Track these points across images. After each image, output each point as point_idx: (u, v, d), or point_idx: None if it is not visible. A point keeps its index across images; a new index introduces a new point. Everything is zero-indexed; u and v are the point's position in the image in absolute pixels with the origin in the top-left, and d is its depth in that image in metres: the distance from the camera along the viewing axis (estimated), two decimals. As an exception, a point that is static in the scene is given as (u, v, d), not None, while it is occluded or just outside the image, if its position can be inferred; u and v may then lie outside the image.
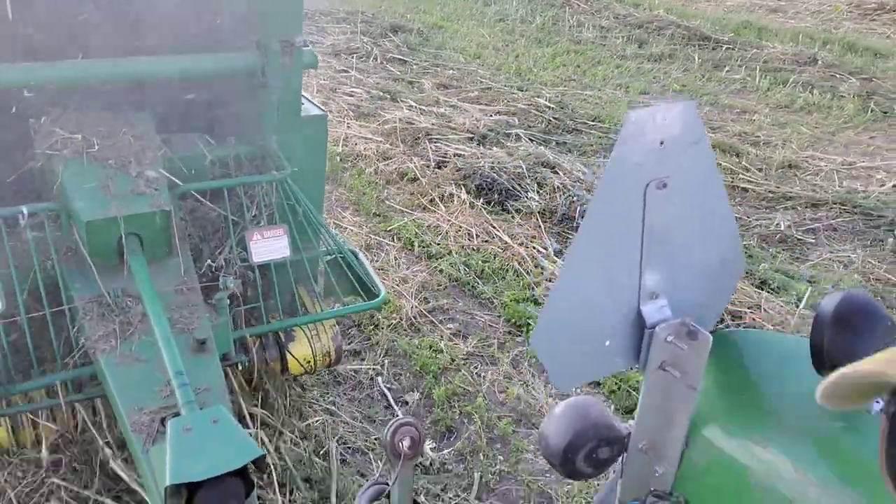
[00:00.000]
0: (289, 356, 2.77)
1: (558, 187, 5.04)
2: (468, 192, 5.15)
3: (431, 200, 5.15)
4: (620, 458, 1.30)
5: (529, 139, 6.11)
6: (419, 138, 6.02)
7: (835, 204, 5.24)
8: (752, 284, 4.23)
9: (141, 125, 2.45)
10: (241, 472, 1.50)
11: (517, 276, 4.30)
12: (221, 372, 2.08)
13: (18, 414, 2.35)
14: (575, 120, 6.74)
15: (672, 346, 1.19)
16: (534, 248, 4.55)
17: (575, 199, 4.88)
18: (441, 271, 4.35)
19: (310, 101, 2.87)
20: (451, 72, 8.07)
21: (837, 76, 8.40)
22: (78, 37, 2.41)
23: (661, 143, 1.13)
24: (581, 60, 8.84)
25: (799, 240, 4.86)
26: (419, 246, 4.60)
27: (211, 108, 2.76)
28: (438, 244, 4.62)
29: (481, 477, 2.92)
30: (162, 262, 2.28)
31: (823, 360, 1.12)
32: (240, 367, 2.66)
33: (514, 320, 3.92)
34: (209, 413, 1.66)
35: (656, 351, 1.21)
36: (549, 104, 6.99)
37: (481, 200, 5.08)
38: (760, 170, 5.86)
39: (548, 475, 2.97)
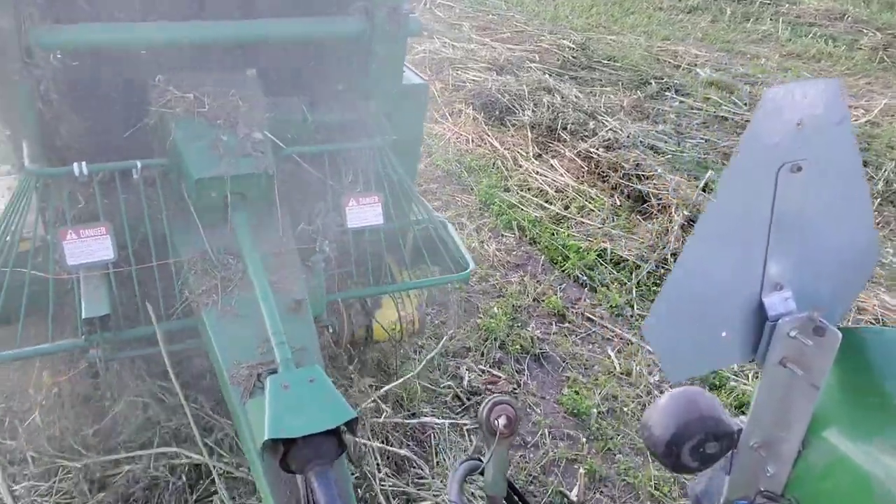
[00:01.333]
0: (374, 323, 2.84)
1: (548, 105, 5.88)
2: (474, 109, 6.06)
3: (443, 115, 6.08)
4: (729, 454, 1.25)
5: (542, 72, 6.92)
6: (444, 67, 6.93)
7: (798, 131, 5.86)
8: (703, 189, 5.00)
9: (249, 87, 2.47)
10: (335, 433, 1.54)
11: (498, 171, 5.22)
12: (316, 332, 2.12)
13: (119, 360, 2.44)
14: (590, 59, 7.49)
15: (796, 342, 1.13)
16: (517, 151, 5.44)
17: (560, 114, 5.72)
18: (437, 166, 5.31)
19: (411, 69, 2.87)
20: (491, 16, 8.89)
21: (864, 31, 8.77)
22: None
23: (799, 123, 1.06)
24: (616, 10, 9.48)
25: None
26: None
27: (316, 72, 2.78)
28: (440, 146, 5.57)
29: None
30: (262, 222, 2.32)
31: None
32: (330, 331, 2.72)
33: (485, 200, 4.85)
34: (306, 372, 1.70)
35: (777, 346, 1.15)
36: (571, 45, 7.75)
37: (483, 115, 5.98)
38: (746, 104, 6.50)
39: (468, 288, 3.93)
